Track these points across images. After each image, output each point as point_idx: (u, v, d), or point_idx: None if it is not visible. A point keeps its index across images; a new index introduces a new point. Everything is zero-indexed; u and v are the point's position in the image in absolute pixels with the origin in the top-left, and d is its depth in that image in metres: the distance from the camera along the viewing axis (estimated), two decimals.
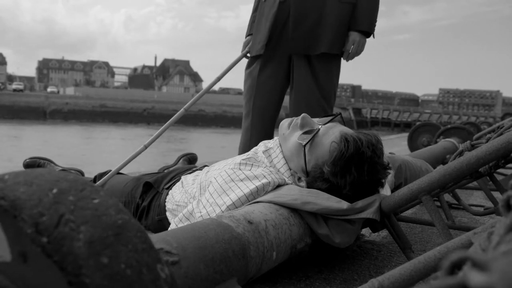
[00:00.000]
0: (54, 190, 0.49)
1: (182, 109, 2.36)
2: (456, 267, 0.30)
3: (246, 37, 2.49)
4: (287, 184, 1.32)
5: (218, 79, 2.49)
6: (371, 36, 2.24)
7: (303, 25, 2.18)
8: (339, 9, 2.16)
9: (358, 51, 2.22)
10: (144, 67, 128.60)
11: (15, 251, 0.47)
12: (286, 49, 2.24)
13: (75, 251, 0.45)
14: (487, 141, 1.51)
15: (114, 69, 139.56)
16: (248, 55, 2.45)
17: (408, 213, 2.04)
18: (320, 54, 2.19)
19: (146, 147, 2.12)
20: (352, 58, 2.25)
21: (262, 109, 2.37)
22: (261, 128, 2.39)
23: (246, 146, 2.44)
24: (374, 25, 2.23)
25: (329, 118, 1.39)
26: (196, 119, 36.48)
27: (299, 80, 2.26)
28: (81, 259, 0.44)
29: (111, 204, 0.51)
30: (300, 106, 2.27)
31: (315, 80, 2.24)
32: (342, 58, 2.28)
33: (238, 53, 2.45)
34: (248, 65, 2.43)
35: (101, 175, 1.88)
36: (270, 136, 2.36)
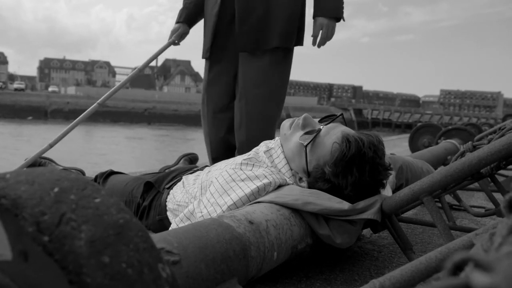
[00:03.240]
0: (56, 189, 0.49)
1: (95, 104, 2.29)
2: (458, 268, 0.30)
3: (175, 24, 2.41)
4: (288, 184, 1.32)
5: (139, 70, 2.40)
6: (341, 20, 2.11)
7: (249, 19, 2.07)
8: (289, 0, 2.07)
9: (329, 35, 2.10)
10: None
11: (16, 249, 0.47)
12: (235, 46, 2.14)
13: (76, 250, 0.45)
14: (488, 142, 1.51)
15: (116, 69, 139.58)
16: (177, 42, 2.39)
17: (409, 214, 2.04)
18: (270, 50, 2.10)
19: (51, 146, 2.08)
20: (323, 43, 2.13)
21: (214, 113, 2.29)
22: (215, 135, 2.31)
23: (208, 153, 2.36)
24: (342, 8, 2.10)
25: (331, 118, 1.39)
26: (197, 119, 36.48)
27: (243, 78, 2.16)
28: (82, 258, 0.44)
29: (112, 203, 0.51)
30: (246, 104, 2.16)
31: (261, 76, 2.13)
32: (312, 45, 2.14)
33: None
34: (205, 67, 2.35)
35: (102, 174, 1.88)
36: (226, 143, 2.29)
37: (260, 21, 2.07)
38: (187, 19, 2.38)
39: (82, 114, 2.24)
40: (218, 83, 2.26)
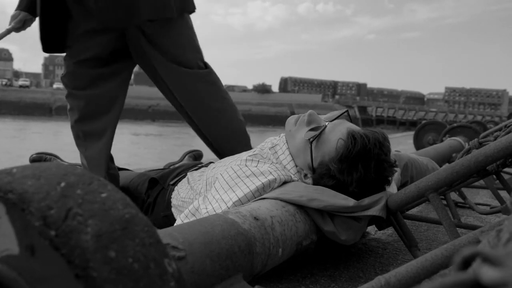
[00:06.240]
0: (62, 184, 0.49)
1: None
2: (466, 263, 0.30)
3: (15, 10, 1.98)
4: (293, 180, 1.32)
5: None
6: None
7: None
8: None
9: None
10: None
11: (23, 244, 0.47)
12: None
13: (83, 245, 0.45)
14: (495, 139, 1.50)
15: None
16: (18, 28, 1.97)
17: (413, 211, 2.04)
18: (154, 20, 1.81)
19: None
20: None
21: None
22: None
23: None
24: None
25: (337, 115, 1.38)
26: None
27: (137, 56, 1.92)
28: (89, 252, 0.44)
29: (118, 198, 0.51)
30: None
31: (156, 48, 1.87)
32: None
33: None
34: None
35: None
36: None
37: None
38: (26, 8, 1.97)
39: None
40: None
